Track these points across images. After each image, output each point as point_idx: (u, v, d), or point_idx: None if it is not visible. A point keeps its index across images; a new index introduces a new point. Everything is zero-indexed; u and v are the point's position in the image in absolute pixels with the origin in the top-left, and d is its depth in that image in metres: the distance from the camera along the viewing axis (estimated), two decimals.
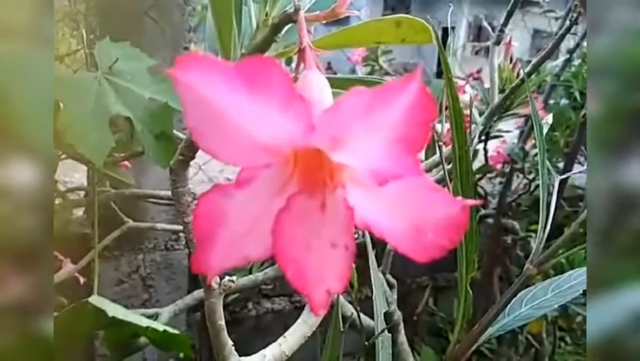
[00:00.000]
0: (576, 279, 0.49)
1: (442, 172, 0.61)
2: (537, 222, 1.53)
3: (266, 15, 0.38)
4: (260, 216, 0.28)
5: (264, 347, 0.54)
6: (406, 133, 0.23)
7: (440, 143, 0.53)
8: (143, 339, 0.81)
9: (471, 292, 0.45)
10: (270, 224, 0.28)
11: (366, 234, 0.58)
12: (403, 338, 0.97)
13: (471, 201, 0.26)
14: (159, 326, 0.68)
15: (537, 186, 1.51)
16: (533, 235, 1.46)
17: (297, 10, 0.35)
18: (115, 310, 0.63)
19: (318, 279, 0.28)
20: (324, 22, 0.37)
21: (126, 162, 0.95)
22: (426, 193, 0.26)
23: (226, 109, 0.23)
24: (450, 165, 0.44)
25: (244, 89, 0.22)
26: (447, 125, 0.77)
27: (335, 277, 0.28)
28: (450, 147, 0.51)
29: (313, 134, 0.24)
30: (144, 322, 0.67)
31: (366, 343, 0.47)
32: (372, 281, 0.49)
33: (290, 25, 0.39)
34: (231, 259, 0.28)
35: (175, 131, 0.74)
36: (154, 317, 0.98)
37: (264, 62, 0.22)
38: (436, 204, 0.26)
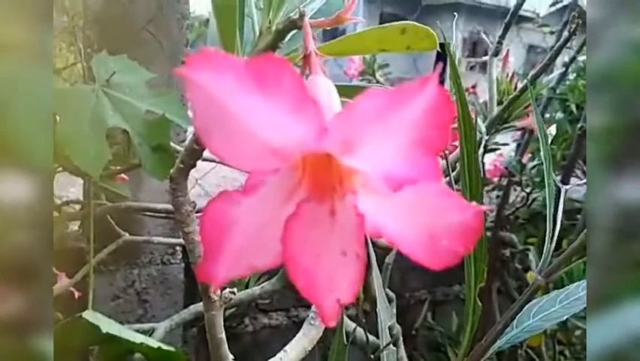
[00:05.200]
0: (583, 290, 0.48)
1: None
2: (535, 236, 1.52)
3: (269, 22, 0.38)
4: (268, 224, 0.27)
5: None
6: (423, 136, 0.23)
7: (446, 151, 0.52)
8: (137, 355, 0.79)
9: (480, 303, 0.44)
10: (279, 232, 0.27)
11: (370, 247, 0.57)
12: (402, 352, 0.95)
13: (484, 207, 0.26)
14: (154, 342, 0.66)
15: (534, 200, 1.51)
16: (531, 247, 1.45)
17: (302, 16, 0.35)
18: (109, 325, 0.62)
19: (328, 288, 0.27)
20: (328, 27, 0.36)
21: (123, 175, 0.94)
22: (439, 199, 0.25)
23: (236, 109, 0.22)
24: (455, 172, 0.44)
25: (255, 89, 0.22)
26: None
27: (345, 287, 0.28)
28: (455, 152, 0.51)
29: (325, 138, 0.23)
30: (138, 338, 0.65)
31: (372, 356, 0.45)
32: (377, 294, 0.48)
33: (292, 32, 0.39)
34: (239, 268, 0.27)
35: (172, 144, 0.74)
36: (149, 332, 0.96)
37: (276, 62, 0.22)
38: (449, 209, 0.25)
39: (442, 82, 0.24)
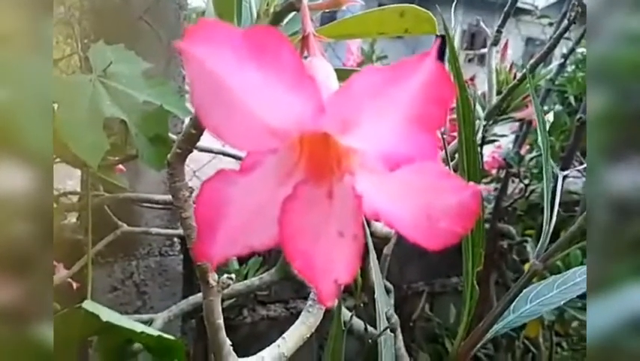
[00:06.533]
0: (580, 276, 0.48)
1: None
2: (533, 228, 1.52)
3: (267, 4, 0.37)
4: (265, 204, 0.27)
5: None
6: (421, 112, 0.22)
7: (444, 137, 0.52)
8: (136, 345, 0.79)
9: (477, 287, 0.44)
10: (276, 212, 0.27)
11: (368, 235, 0.57)
12: (400, 343, 0.96)
13: (482, 187, 0.25)
14: (154, 331, 0.67)
15: (532, 191, 1.51)
16: (529, 239, 1.46)
17: None
18: (109, 314, 0.62)
19: (326, 269, 0.27)
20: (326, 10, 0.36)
21: (121, 166, 0.94)
22: (437, 179, 0.25)
23: (233, 84, 0.22)
24: (454, 162, 0.44)
25: (253, 63, 0.22)
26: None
27: (343, 268, 0.28)
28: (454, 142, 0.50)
29: (323, 117, 0.23)
30: (139, 327, 0.65)
31: (370, 341, 0.46)
32: (374, 280, 0.48)
33: (290, 16, 0.38)
34: (235, 247, 0.27)
35: (170, 134, 0.73)
36: (148, 323, 0.96)
37: (274, 36, 0.21)
38: (447, 190, 0.25)
39: None
